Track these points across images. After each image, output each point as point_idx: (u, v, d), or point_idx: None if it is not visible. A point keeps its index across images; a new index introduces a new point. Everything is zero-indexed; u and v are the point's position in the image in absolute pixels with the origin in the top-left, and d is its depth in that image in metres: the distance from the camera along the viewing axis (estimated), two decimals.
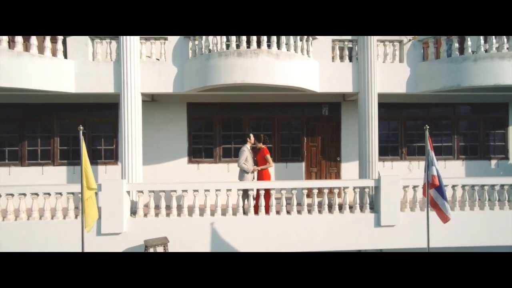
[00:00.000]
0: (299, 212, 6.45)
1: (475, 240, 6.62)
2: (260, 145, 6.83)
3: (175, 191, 6.24)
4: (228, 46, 6.75)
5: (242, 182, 6.46)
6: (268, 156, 6.71)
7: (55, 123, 8.23)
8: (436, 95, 8.36)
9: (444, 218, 4.42)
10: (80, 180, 4.40)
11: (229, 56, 6.48)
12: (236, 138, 8.47)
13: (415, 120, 9.01)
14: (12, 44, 6.26)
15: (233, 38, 6.59)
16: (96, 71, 6.98)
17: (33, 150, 8.17)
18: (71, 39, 6.92)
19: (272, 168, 7.30)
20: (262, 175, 6.74)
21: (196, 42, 6.99)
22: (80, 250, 5.81)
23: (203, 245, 6.12)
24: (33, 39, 6.37)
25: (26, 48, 6.41)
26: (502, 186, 6.69)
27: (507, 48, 6.85)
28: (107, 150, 8.36)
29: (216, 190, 6.27)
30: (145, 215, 6.24)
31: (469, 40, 6.97)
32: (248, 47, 6.54)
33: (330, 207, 6.55)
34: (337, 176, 8.69)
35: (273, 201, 6.38)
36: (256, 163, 6.75)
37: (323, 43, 7.34)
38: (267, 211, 6.39)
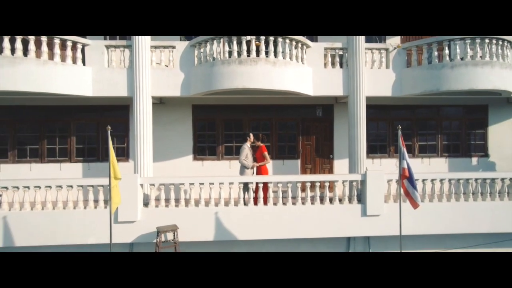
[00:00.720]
0: (293, 203, 7.21)
1: (452, 228, 7.39)
2: (259, 143, 7.61)
3: (183, 184, 7.00)
4: (230, 54, 7.51)
5: (243, 176, 7.23)
6: (266, 153, 7.48)
7: (71, 124, 8.99)
8: (421, 98, 9.12)
9: (415, 205, 5.18)
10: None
11: (231, 64, 7.25)
12: (237, 137, 9.24)
13: (402, 121, 9.77)
14: (38, 52, 7.02)
15: (235, 47, 7.36)
16: (111, 77, 7.74)
17: (52, 148, 8.94)
18: (88, 48, 7.69)
19: (270, 164, 8.08)
20: (260, 171, 7.50)
21: (201, 50, 7.75)
22: (99, 235, 6.61)
23: (208, 232, 6.88)
24: (57, 49, 7.13)
25: (50, 56, 7.17)
26: (476, 180, 7.46)
27: (480, 57, 7.62)
28: (119, 148, 9.13)
29: (220, 183, 7.04)
30: (156, 205, 7.00)
31: (447, 49, 7.74)
32: (248, 55, 7.31)
33: (322, 199, 7.32)
34: (330, 172, 9.45)
35: (270, 194, 7.14)
36: (255, 159, 7.52)
37: (316, 50, 8.11)
38: (265, 202, 7.15)
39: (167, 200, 7.08)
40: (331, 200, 7.33)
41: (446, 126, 9.86)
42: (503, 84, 7.69)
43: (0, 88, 6.65)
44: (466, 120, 9.85)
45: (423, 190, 7.41)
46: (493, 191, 7.44)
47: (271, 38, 7.36)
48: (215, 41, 7.52)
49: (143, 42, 7.58)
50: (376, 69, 8.33)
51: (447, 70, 7.66)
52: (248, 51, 7.36)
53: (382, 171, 7.35)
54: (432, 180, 7.42)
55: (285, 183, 7.28)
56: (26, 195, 6.66)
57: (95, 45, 7.72)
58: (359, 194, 7.42)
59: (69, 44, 7.29)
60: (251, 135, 7.63)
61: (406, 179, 5.13)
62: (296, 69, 7.69)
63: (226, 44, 7.44)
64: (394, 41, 9.69)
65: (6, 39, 6.69)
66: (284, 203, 7.19)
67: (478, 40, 7.60)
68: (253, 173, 7.53)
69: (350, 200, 7.31)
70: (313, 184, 7.36)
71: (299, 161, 9.44)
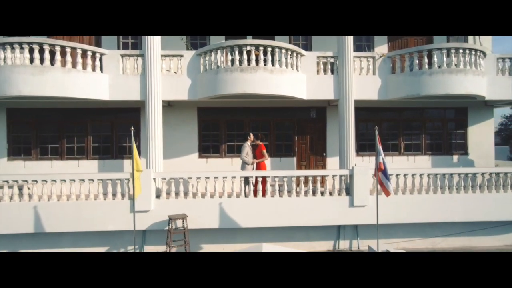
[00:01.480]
0: (289, 195, 8.11)
1: (430, 217, 8.28)
2: (258, 142, 8.53)
3: (191, 178, 7.91)
4: (232, 63, 8.42)
5: (244, 172, 8.14)
6: (265, 151, 8.40)
7: (88, 125, 9.90)
8: (406, 101, 10.02)
9: (387, 193, 6.08)
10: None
11: (233, 72, 8.17)
12: (238, 137, 10.14)
13: (389, 122, 10.70)
14: (63, 61, 7.93)
15: (237, 56, 8.27)
16: (126, 83, 8.64)
17: (70, 146, 9.85)
18: (105, 57, 8.59)
19: (268, 161, 8.99)
20: (260, 166, 8.41)
21: (207, 59, 8.66)
22: (117, 223, 7.51)
23: (213, 220, 7.79)
24: (79, 57, 8.05)
25: (73, 65, 8.07)
26: (451, 175, 8.37)
27: (455, 65, 8.54)
28: (130, 147, 10.02)
29: (223, 178, 7.94)
30: (167, 197, 7.90)
31: (426, 58, 8.65)
32: (249, 64, 8.22)
33: (314, 192, 8.22)
34: (323, 168, 10.35)
35: (268, 187, 8.05)
36: (255, 156, 8.43)
37: (309, 59, 9.02)
38: (264, 194, 8.05)
39: (177, 193, 7.98)
40: (322, 193, 8.23)
41: (430, 126, 10.77)
42: (476, 89, 8.61)
43: (32, 93, 7.56)
44: (447, 121, 10.77)
45: (405, 183, 8.31)
46: (466, 184, 8.34)
47: (269, 48, 8.27)
48: (219, 51, 8.44)
49: (155, 51, 8.48)
50: (364, 75, 9.24)
51: (426, 77, 8.58)
52: (249, 60, 8.27)
53: (367, 167, 8.25)
54: (413, 175, 8.33)
55: (282, 178, 8.18)
56: (53, 188, 7.57)
57: (112, 54, 8.63)
58: (348, 187, 8.32)
59: (89, 53, 8.20)
60: (251, 134, 8.54)
61: (381, 171, 6.03)
62: (292, 75, 8.60)
63: (229, 54, 8.36)
64: (381, 49, 10.61)
65: (36, 50, 7.60)
66: (280, 195, 8.08)
67: (453, 50, 8.52)
68: (253, 169, 8.43)
69: (339, 193, 8.21)
70: (306, 179, 8.27)
71: (295, 158, 10.36)
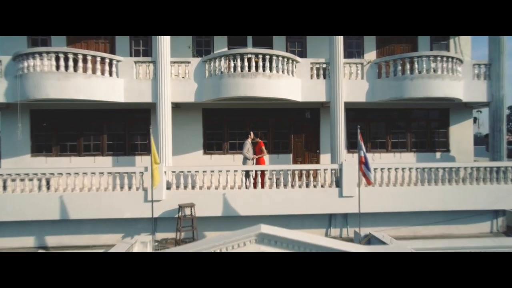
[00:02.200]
0: (285, 187, 9.09)
1: (412, 207, 9.23)
2: (258, 139, 9.54)
3: (198, 171, 8.89)
4: (234, 69, 9.40)
5: (245, 166, 9.14)
6: (263, 148, 9.41)
7: (103, 124, 10.89)
8: (393, 102, 10.99)
9: (369, 182, 7.08)
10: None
11: (235, 77, 9.17)
12: (239, 135, 11.13)
13: (378, 122, 11.69)
14: (84, 67, 8.92)
15: (238, 63, 9.26)
16: (139, 86, 9.63)
17: (87, 144, 10.85)
18: (121, 64, 9.58)
19: (266, 156, 9.98)
20: (259, 161, 9.42)
21: (211, 65, 9.65)
22: (132, 211, 8.48)
23: (217, 209, 8.76)
24: (98, 64, 9.04)
25: (93, 70, 9.06)
26: (430, 169, 9.35)
27: (434, 70, 9.54)
28: (142, 144, 11.03)
29: (226, 171, 8.93)
30: (177, 188, 8.88)
31: (408, 64, 9.65)
32: (249, 70, 9.22)
33: (308, 184, 9.20)
34: (317, 164, 11.32)
35: (267, 180, 9.03)
36: (255, 153, 9.43)
37: (304, 65, 10.02)
38: (262, 186, 9.03)
39: (185, 185, 8.95)
40: (315, 185, 9.20)
41: (414, 126, 11.77)
42: (453, 93, 9.62)
43: (58, 96, 8.57)
44: (431, 121, 11.77)
45: (389, 177, 9.29)
46: (450, 177, 9.31)
47: (267, 56, 9.28)
48: (222, 58, 9.44)
49: (165, 58, 9.47)
50: (353, 80, 10.23)
51: (408, 81, 9.59)
52: (249, 67, 9.27)
53: (355, 162, 9.21)
54: (396, 169, 9.31)
55: (279, 171, 9.17)
56: (76, 180, 8.55)
57: (126, 61, 9.63)
58: (337, 180, 9.31)
59: (107, 61, 9.20)
60: (251, 133, 9.54)
61: (363, 164, 7.03)
62: (288, 80, 9.60)
63: (231, 61, 9.36)
64: (370, 56, 11.61)
65: (61, 58, 8.60)
66: (277, 187, 9.07)
67: (432, 58, 9.52)
68: (253, 164, 9.42)
69: (330, 185, 9.19)
70: (301, 172, 9.26)
71: (291, 155, 11.36)
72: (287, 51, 11.41)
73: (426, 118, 11.77)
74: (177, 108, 10.93)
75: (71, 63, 8.67)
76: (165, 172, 8.84)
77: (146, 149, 11.03)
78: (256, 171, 9.09)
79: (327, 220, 9.56)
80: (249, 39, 11.50)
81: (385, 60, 9.97)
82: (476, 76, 10.39)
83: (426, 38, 11.91)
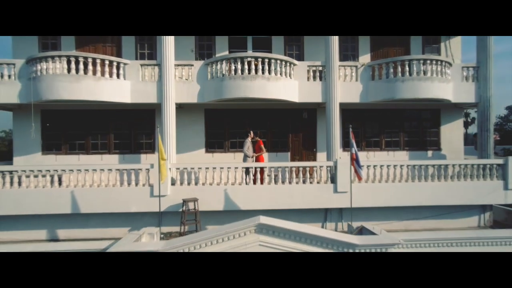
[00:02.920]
0: (283, 183, 9.62)
1: (404, 202, 9.73)
2: (257, 138, 10.07)
3: (200, 168, 9.42)
4: (235, 72, 9.94)
5: (245, 163, 9.66)
6: (262, 146, 9.95)
7: (110, 124, 11.43)
8: (387, 103, 11.53)
9: (359, 178, 7.62)
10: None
11: (236, 79, 9.71)
12: (240, 134, 11.66)
13: (372, 122, 12.23)
14: (93, 69, 9.46)
15: (239, 66, 9.80)
16: (145, 88, 10.17)
17: (94, 143, 11.38)
18: (128, 66, 10.12)
19: (265, 154, 10.52)
20: (258, 159, 9.95)
21: (213, 68, 10.19)
22: (138, 205, 8.99)
23: (219, 204, 9.27)
24: (106, 67, 9.58)
25: (102, 73, 9.61)
26: (420, 166, 9.88)
27: (424, 73, 10.08)
28: (147, 143, 11.57)
29: (228, 168, 9.45)
30: (181, 184, 9.40)
31: (400, 67, 10.20)
32: (249, 73, 9.76)
33: (305, 181, 9.73)
34: (314, 161, 11.86)
35: (266, 176, 9.55)
36: (254, 150, 9.96)
37: (301, 67, 10.56)
38: (262, 182, 9.55)
39: (189, 181, 9.47)
40: (311, 181, 9.73)
41: (407, 126, 12.31)
42: (442, 94, 10.17)
43: (70, 97, 9.12)
44: (423, 121, 12.31)
45: (381, 173, 9.81)
46: (439, 174, 9.84)
47: (266, 60, 9.82)
48: (224, 61, 9.98)
49: (169, 61, 10.00)
50: (348, 81, 10.77)
51: (399, 83, 10.13)
52: (249, 69, 9.81)
53: (349, 159, 9.75)
54: (388, 166, 9.84)
55: (277, 168, 9.69)
56: (86, 176, 9.08)
57: (133, 64, 10.17)
58: (332, 177, 9.83)
59: (114, 64, 9.74)
60: (251, 132, 10.07)
61: (355, 160, 7.57)
62: (286, 82, 10.14)
63: (232, 64, 9.90)
64: (364, 58, 12.16)
65: (73, 61, 9.14)
66: (276, 183, 9.59)
67: (422, 61, 10.06)
68: (253, 161, 9.95)
69: (325, 181, 9.71)
70: (298, 169, 9.79)
71: (289, 153, 11.90)
72: (285, 54, 11.96)
73: (418, 118, 12.31)
74: (181, 108, 11.46)
75: (81, 66, 9.21)
76: (169, 169, 9.35)
77: (151, 148, 11.57)
78: (255, 168, 9.60)
79: (323, 215, 10.07)
80: (249, 42, 12.05)
81: (378, 63, 10.51)
82: (464, 78, 10.93)
83: (419, 42, 12.46)
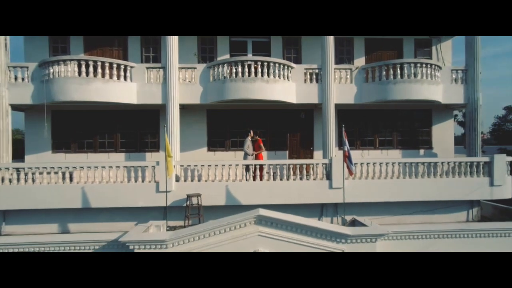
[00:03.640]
0: (281, 180, 10.18)
1: (396, 197, 10.26)
2: (257, 137, 10.66)
3: (203, 165, 9.99)
4: (236, 74, 10.51)
5: (246, 161, 10.24)
6: (262, 144, 10.54)
7: (117, 124, 12.00)
8: (381, 104, 12.07)
9: (350, 173, 8.19)
10: None
11: (237, 81, 10.29)
12: (240, 134, 12.22)
13: (366, 121, 12.80)
14: (102, 72, 10.03)
15: (240, 69, 10.38)
16: (150, 90, 10.74)
17: (102, 142, 11.95)
18: (134, 69, 10.70)
19: (265, 153, 11.10)
20: (258, 157, 10.53)
21: (215, 71, 10.76)
22: (145, 200, 9.55)
23: (221, 199, 9.83)
24: (114, 70, 10.15)
25: (110, 75, 10.18)
26: (411, 163, 10.44)
27: (414, 76, 10.66)
28: (151, 142, 12.14)
29: (229, 165, 10.01)
30: (185, 180, 9.96)
31: (391, 70, 10.77)
32: (249, 76, 10.34)
33: (302, 177, 10.29)
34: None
35: (265, 173, 10.12)
36: (254, 149, 10.54)
37: (298, 70, 11.14)
38: (261, 179, 10.12)
39: (192, 178, 10.04)
40: (308, 178, 10.29)
41: (400, 125, 12.88)
42: (431, 95, 10.76)
43: (81, 99, 9.70)
44: (415, 121, 12.89)
45: (374, 171, 10.37)
46: (423, 172, 10.41)
47: (265, 63, 10.40)
48: (225, 65, 10.55)
49: (173, 64, 10.56)
50: (343, 84, 11.35)
51: (391, 85, 10.71)
52: (249, 72, 10.39)
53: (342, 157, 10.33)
54: (380, 164, 10.40)
55: (275, 166, 10.26)
56: (96, 173, 9.65)
57: (139, 67, 10.75)
58: (328, 173, 10.39)
59: (122, 67, 10.32)
60: (251, 131, 10.66)
61: (347, 157, 8.15)
62: (284, 84, 10.73)
63: (233, 67, 10.48)
64: (359, 61, 12.73)
65: (83, 65, 9.72)
66: (274, 180, 10.15)
67: (412, 65, 10.65)
68: (253, 159, 10.51)
69: (321, 178, 10.27)
70: (295, 167, 10.36)
71: (287, 152, 12.47)
72: (283, 57, 12.54)
73: (411, 118, 12.89)
74: (184, 109, 12.03)
75: (91, 69, 9.78)
76: (174, 166, 9.92)
77: (155, 146, 12.14)
78: (255, 165, 10.18)
79: (319, 210, 10.63)
80: (249, 45, 12.63)
81: (371, 66, 11.09)
82: (454, 80, 11.51)
83: (411, 45, 13.04)
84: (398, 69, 10.67)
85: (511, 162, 10.55)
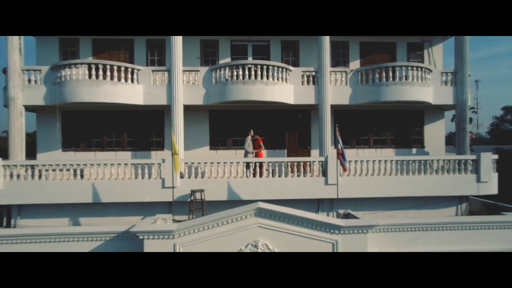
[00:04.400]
0: (280, 176, 10.77)
1: (389, 193, 10.87)
2: (257, 136, 11.26)
3: (206, 163, 10.59)
4: (237, 77, 11.12)
5: (246, 158, 10.84)
6: (261, 143, 11.14)
7: (123, 123, 12.60)
8: (375, 105, 12.68)
9: (344, 170, 8.80)
10: None
11: (238, 83, 10.90)
12: (241, 133, 12.82)
13: (361, 121, 13.40)
14: (111, 75, 10.63)
15: (240, 72, 10.99)
16: (156, 91, 11.34)
17: (109, 141, 12.56)
18: (141, 72, 11.30)
19: (264, 151, 11.70)
20: (258, 155, 11.13)
21: (217, 73, 11.36)
22: (151, 196, 10.14)
23: (223, 194, 10.43)
24: (122, 73, 10.76)
25: (118, 78, 10.78)
26: (403, 161, 11.04)
27: (406, 78, 11.26)
28: (156, 141, 12.74)
29: (230, 163, 10.61)
30: (189, 177, 10.56)
31: (384, 72, 11.38)
32: (249, 78, 10.95)
33: (299, 175, 10.89)
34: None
35: (264, 170, 10.72)
36: (254, 147, 11.14)
37: (296, 73, 11.74)
38: (261, 175, 10.71)
39: (196, 174, 10.64)
40: (305, 175, 10.89)
41: (394, 125, 13.48)
42: (422, 97, 11.36)
43: (91, 100, 10.31)
44: (408, 121, 13.49)
45: (367, 168, 10.97)
46: (414, 169, 11.00)
47: (265, 66, 11.01)
48: (227, 68, 11.16)
49: (178, 67, 11.16)
50: (338, 85, 11.95)
51: (384, 87, 11.31)
52: (249, 75, 11.00)
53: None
54: (373, 161, 11.00)
55: (274, 163, 10.85)
56: (105, 170, 10.25)
57: (145, 70, 11.36)
58: (324, 170, 10.99)
59: (129, 70, 10.93)
60: (251, 131, 11.27)
61: (340, 155, 8.76)
62: (282, 86, 11.33)
63: (234, 70, 11.09)
64: (354, 64, 13.35)
65: (93, 68, 10.33)
66: (273, 176, 10.75)
67: (404, 67, 11.25)
68: (253, 157, 11.11)
69: (318, 175, 10.87)
70: (293, 164, 10.97)
71: (285, 150, 13.08)
72: (282, 60, 13.15)
73: (404, 119, 13.49)
74: (187, 110, 12.62)
75: (100, 72, 10.39)
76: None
77: (160, 145, 12.75)
78: (255, 163, 10.77)
79: (316, 205, 11.23)
80: (249, 49, 13.24)
81: (365, 69, 11.69)
82: (444, 82, 12.11)
83: (404, 49, 13.64)
84: (391, 72, 11.27)
85: (497, 160, 11.16)
